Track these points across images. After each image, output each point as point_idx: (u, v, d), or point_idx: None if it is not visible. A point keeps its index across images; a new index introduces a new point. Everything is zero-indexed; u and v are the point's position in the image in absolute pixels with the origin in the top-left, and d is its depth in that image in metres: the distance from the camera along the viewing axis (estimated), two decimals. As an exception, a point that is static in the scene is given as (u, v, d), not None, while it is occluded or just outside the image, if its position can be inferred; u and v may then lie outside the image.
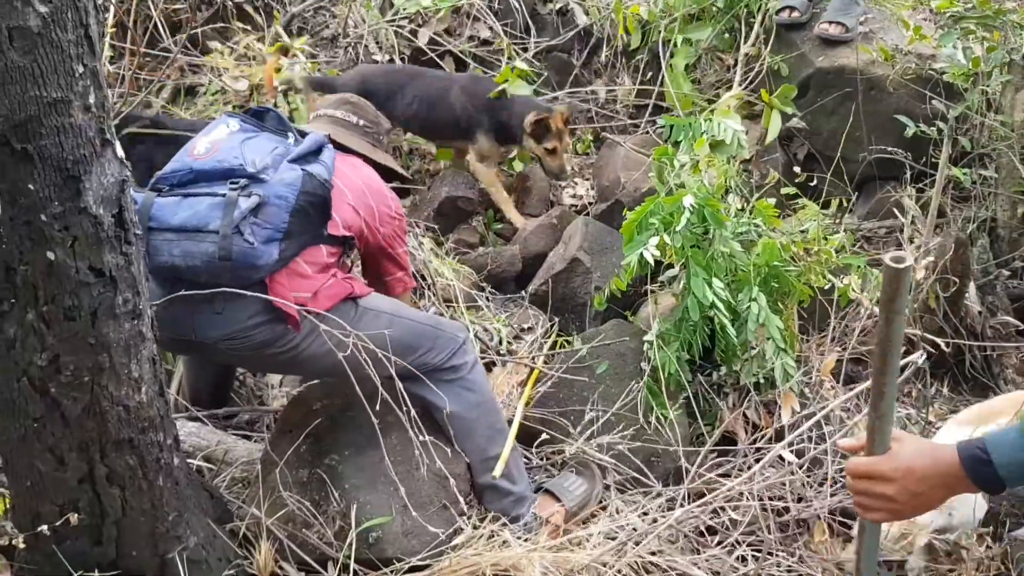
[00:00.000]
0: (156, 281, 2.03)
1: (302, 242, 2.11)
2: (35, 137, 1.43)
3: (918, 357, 2.29)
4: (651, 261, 2.62)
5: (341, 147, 2.40)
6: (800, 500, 2.45)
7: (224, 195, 1.96)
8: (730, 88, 3.86)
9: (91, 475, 1.76)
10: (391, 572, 2.15)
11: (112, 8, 4.08)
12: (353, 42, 4.22)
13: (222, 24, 4.33)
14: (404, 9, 4.20)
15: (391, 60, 4.16)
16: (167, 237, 1.98)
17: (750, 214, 3.06)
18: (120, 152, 1.59)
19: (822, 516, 2.40)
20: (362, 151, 2.51)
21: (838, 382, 3.05)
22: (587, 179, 3.92)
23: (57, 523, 1.76)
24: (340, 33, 4.35)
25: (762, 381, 2.85)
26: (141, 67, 4.11)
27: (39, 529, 1.76)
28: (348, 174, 2.32)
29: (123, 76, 4.05)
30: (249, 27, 4.34)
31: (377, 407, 2.13)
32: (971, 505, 2.27)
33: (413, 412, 2.26)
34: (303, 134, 2.25)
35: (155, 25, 4.10)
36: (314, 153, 2.15)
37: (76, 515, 1.77)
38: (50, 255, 1.51)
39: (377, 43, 4.19)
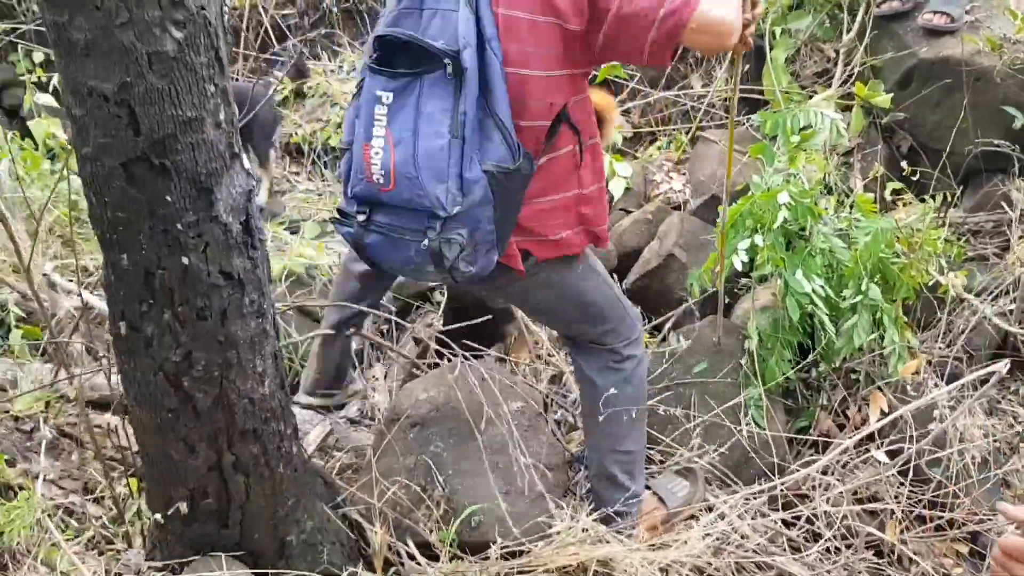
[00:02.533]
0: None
1: (515, 214, 1.97)
2: (172, 153, 1.55)
3: (1002, 366, 2.24)
4: (739, 268, 2.64)
5: None
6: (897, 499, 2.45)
7: (425, 244, 1.86)
8: (831, 80, 3.81)
9: (219, 463, 1.89)
10: (492, 555, 2.23)
11: (225, 16, 4.28)
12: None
13: (328, 29, 4.49)
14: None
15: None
16: (394, 267, 2.07)
17: (850, 209, 3.03)
18: (247, 163, 1.70)
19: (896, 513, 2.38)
20: None
21: (942, 379, 3.01)
22: (683, 174, 3.93)
23: (187, 507, 1.91)
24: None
25: (862, 379, 2.84)
26: (254, 71, 4.31)
27: (173, 509, 1.91)
28: None
29: (237, 79, 4.26)
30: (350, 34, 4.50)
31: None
32: None
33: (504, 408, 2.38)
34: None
35: (266, 31, 4.28)
36: (483, 94, 1.81)
37: (205, 500, 1.91)
38: (184, 260, 1.64)
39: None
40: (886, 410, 2.62)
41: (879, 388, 2.67)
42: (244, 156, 1.69)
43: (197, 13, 1.53)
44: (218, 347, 1.75)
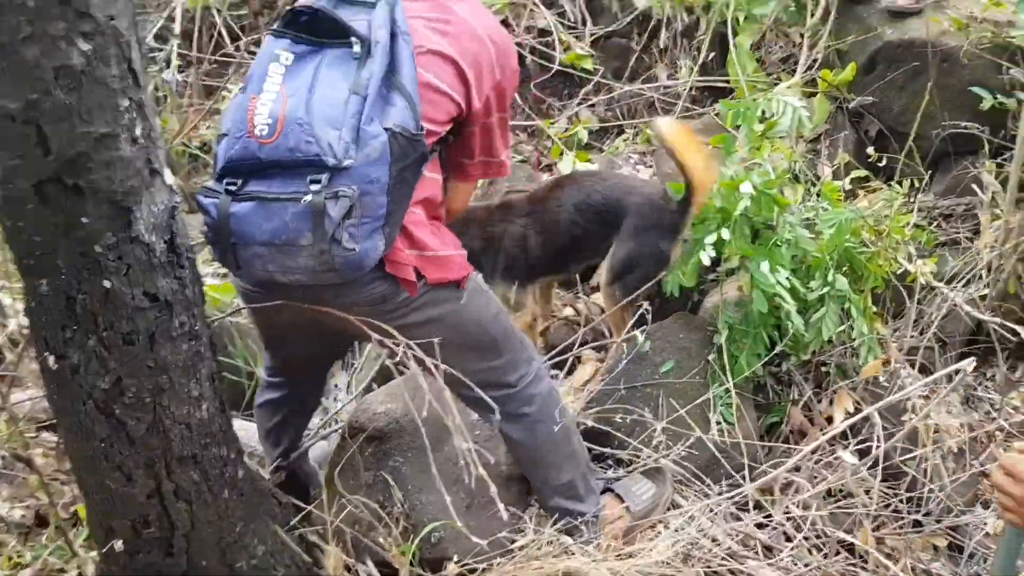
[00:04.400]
0: (260, 286, 1.91)
1: (405, 204, 1.82)
2: (85, 172, 1.47)
3: (968, 364, 2.19)
4: (707, 263, 2.57)
5: None
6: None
7: (308, 199, 1.64)
8: (795, 66, 3.76)
9: (159, 491, 1.81)
10: (451, 571, 2.17)
11: (178, 19, 4.19)
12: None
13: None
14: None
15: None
16: (258, 252, 1.72)
17: (817, 197, 2.97)
18: (169, 179, 1.62)
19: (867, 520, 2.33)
20: None
21: (915, 369, 2.96)
22: (650, 166, 3.87)
23: (131, 537, 1.83)
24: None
25: (833, 371, 2.79)
26: (208, 74, 4.22)
27: (116, 540, 1.83)
28: (450, 24, 1.91)
29: (190, 83, 4.17)
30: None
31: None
32: None
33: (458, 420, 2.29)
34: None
35: (219, 32, 4.18)
36: (390, 68, 1.74)
37: (147, 529, 1.84)
38: (106, 283, 1.56)
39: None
40: (851, 410, 2.57)
41: (844, 387, 2.61)
42: (166, 172, 1.61)
43: (106, 24, 1.44)
44: (149, 372, 1.67)
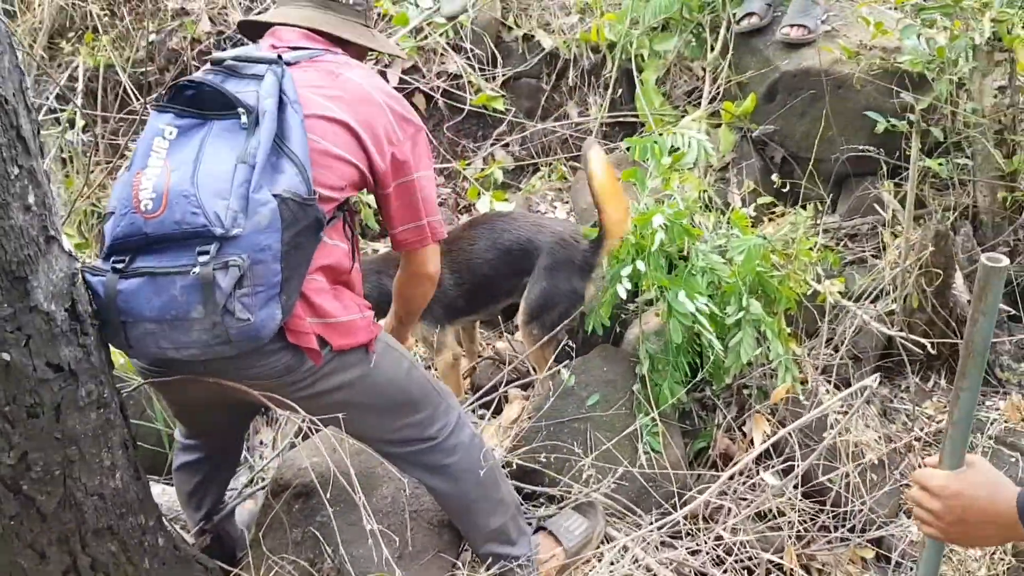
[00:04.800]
0: (156, 364, 1.85)
1: (302, 271, 1.77)
2: (-24, 243, 1.43)
3: (872, 381, 2.27)
4: (623, 296, 2.61)
5: (327, 36, 2.03)
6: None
7: (196, 271, 1.58)
8: (700, 99, 3.86)
9: (75, 566, 1.75)
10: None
11: (81, 77, 4.11)
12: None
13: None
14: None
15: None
16: (148, 329, 1.65)
17: (727, 225, 3.05)
18: (68, 246, 1.58)
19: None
20: (359, 40, 2.08)
21: (831, 386, 3.03)
22: (566, 203, 3.92)
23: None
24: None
25: (754, 393, 2.84)
26: (115, 132, 4.14)
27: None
28: (341, 91, 1.89)
29: (97, 143, 4.09)
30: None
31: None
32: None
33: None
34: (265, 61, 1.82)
35: (124, 90, 4.12)
36: (279, 135, 1.72)
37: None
38: (5, 356, 1.51)
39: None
40: (769, 432, 2.62)
41: (760, 410, 2.66)
42: (63, 238, 1.57)
43: (-10, 91, 1.41)
44: (56, 444, 1.62)
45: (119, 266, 1.65)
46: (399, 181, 1.99)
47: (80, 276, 1.62)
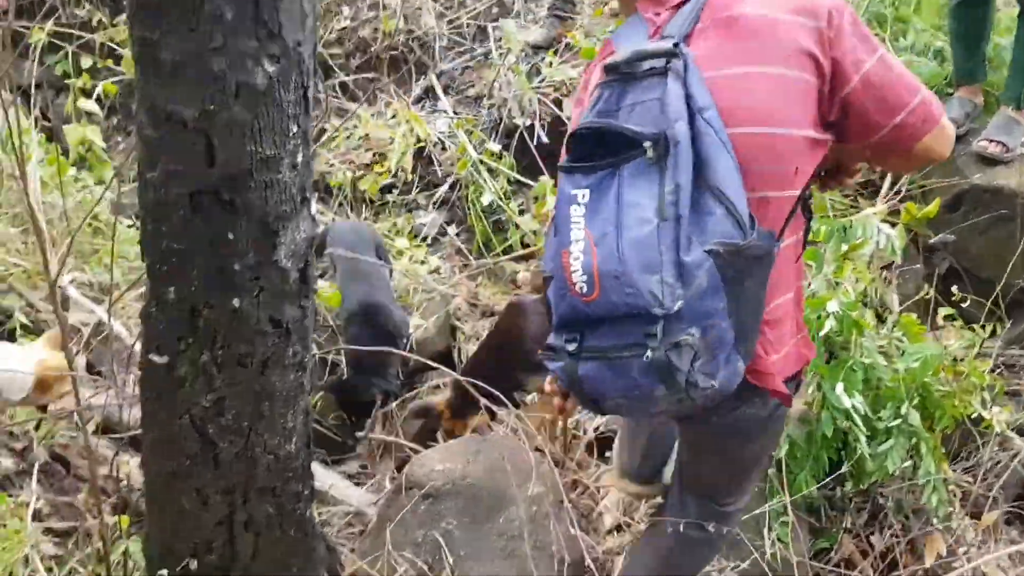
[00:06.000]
0: None
1: (759, 310, 1.60)
2: (244, 190, 1.47)
3: None
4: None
5: None
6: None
7: (650, 355, 1.47)
8: (875, 191, 3.78)
9: (230, 518, 1.76)
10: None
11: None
12: (497, 104, 4.29)
13: (374, 74, 4.45)
14: (551, 77, 4.26)
15: (531, 126, 4.21)
16: (618, 402, 1.60)
17: (892, 328, 2.96)
18: (314, 209, 1.61)
19: None
20: None
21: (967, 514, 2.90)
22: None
23: (189, 562, 1.78)
24: (484, 94, 4.43)
25: (891, 507, 2.73)
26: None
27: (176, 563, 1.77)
28: (755, 43, 1.56)
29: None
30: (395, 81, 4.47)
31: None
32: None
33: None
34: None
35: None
36: (697, 168, 1.47)
37: (208, 556, 1.78)
38: (236, 302, 1.54)
39: (520, 108, 4.25)
40: (943, 554, 2.51)
41: (938, 530, 2.55)
42: (312, 201, 1.60)
43: (293, 49, 1.45)
44: (252, 397, 1.64)
45: (571, 348, 1.58)
46: (859, 73, 1.58)
47: (315, 240, 1.65)
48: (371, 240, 3.57)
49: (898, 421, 2.61)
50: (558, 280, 1.58)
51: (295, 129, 1.49)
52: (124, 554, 2.13)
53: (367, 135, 4.11)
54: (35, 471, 2.26)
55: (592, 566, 2.17)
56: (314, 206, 1.62)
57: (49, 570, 2.08)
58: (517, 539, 2.27)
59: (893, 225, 3.49)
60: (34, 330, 2.86)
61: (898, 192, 3.65)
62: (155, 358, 1.61)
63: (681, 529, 2.05)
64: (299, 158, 1.52)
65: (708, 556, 2.23)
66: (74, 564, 2.15)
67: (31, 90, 4.16)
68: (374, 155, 4.19)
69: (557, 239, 1.58)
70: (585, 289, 1.52)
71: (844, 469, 2.66)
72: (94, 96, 3.55)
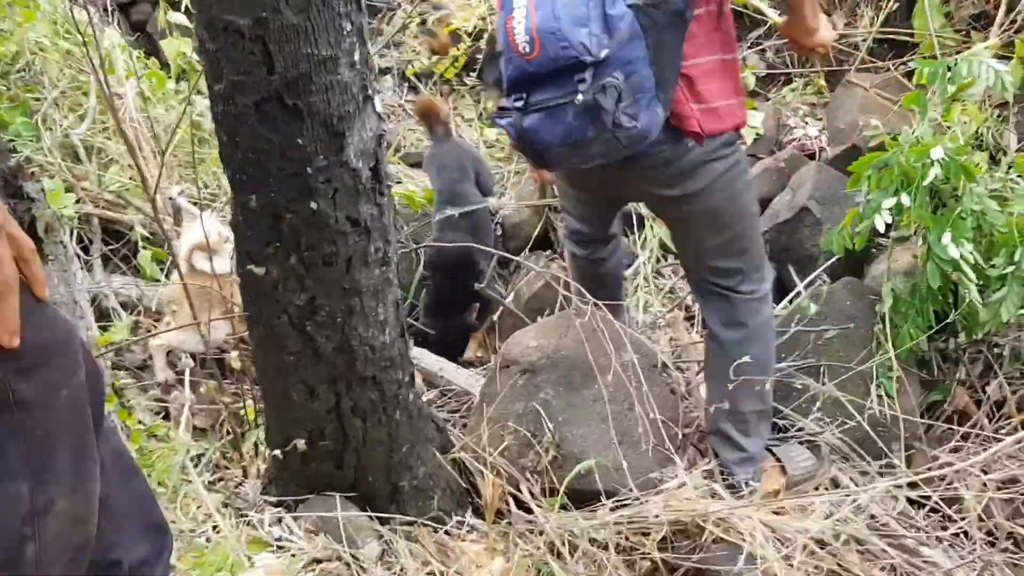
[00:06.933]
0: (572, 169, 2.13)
1: (676, 64, 1.89)
2: (305, 94, 1.50)
3: None
4: (881, 229, 2.45)
5: None
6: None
7: (579, 99, 1.78)
8: (988, 25, 3.50)
9: (337, 407, 1.88)
10: (605, 507, 2.17)
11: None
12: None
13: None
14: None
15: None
16: (558, 151, 1.90)
17: (1008, 169, 2.79)
18: (379, 106, 1.63)
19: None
20: None
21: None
22: (819, 120, 3.70)
23: (305, 447, 1.92)
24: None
25: (1007, 355, 2.65)
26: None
27: (291, 447, 1.91)
28: None
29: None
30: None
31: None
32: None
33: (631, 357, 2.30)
34: None
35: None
36: None
37: (322, 441, 1.91)
38: (313, 205, 1.59)
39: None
40: None
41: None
42: (377, 99, 1.62)
43: (337, -54, 1.44)
44: (342, 294, 1.72)
45: (519, 104, 1.87)
46: None
47: (385, 137, 1.68)
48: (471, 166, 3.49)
49: (1012, 268, 2.50)
50: (505, 46, 1.87)
51: (348, 27, 1.50)
52: (254, 445, 2.31)
53: (439, 19, 4.06)
54: (187, 377, 2.46)
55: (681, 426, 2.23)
56: (379, 103, 1.63)
57: (195, 464, 2.27)
58: (613, 402, 2.32)
59: (1007, 60, 3.25)
60: (155, 242, 3.03)
61: (1013, 23, 3.37)
62: (249, 265, 1.70)
63: (711, 328, 2.27)
64: (356, 56, 1.53)
65: (760, 353, 2.26)
66: (212, 453, 2.34)
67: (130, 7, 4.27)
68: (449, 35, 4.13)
69: (504, 9, 1.86)
70: (527, 49, 1.81)
71: (951, 319, 2.58)
72: (182, 7, 3.60)
